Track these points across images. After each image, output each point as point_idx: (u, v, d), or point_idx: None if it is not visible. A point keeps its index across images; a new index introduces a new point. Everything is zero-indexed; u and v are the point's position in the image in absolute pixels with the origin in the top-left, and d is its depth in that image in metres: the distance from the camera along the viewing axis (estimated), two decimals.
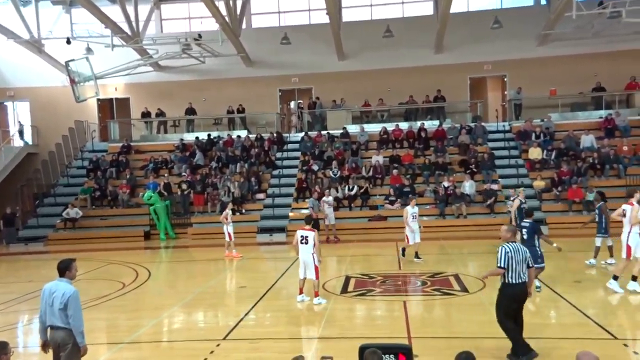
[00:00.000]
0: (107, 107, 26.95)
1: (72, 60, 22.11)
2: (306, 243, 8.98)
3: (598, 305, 8.62)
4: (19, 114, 27.21)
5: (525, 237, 8.85)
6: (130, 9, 23.17)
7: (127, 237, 19.49)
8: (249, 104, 24.75)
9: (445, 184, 19.30)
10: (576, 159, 19.95)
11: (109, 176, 22.65)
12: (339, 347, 6.89)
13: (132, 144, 24.55)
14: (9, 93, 26.52)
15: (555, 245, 9.40)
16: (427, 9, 25.20)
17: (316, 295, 9.08)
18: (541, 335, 6.10)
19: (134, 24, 23.17)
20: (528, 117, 22.41)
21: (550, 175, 19.32)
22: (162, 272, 14.30)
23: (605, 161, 19.50)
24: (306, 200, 19.33)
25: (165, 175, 21.71)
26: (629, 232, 8.99)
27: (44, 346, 5.25)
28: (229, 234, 14.55)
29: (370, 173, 20.68)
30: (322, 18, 22.94)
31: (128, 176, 22.11)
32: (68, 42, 22.55)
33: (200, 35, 22.45)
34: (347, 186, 19.94)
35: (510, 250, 6.02)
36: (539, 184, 18.82)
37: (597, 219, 11.23)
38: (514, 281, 6.01)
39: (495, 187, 19.08)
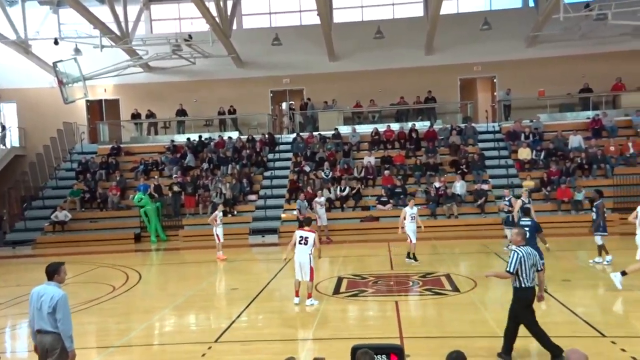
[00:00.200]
0: (96, 109, 26.71)
1: (60, 61, 21.92)
2: (305, 244, 8.95)
3: (587, 304, 8.71)
4: (6, 115, 26.89)
5: (527, 235, 8.87)
6: (119, 10, 23.00)
7: (118, 240, 19.34)
8: (240, 105, 24.68)
9: (437, 184, 19.40)
10: (564, 159, 20.16)
11: (99, 178, 22.46)
12: (332, 348, 6.88)
13: (122, 145, 24.37)
14: None
15: (547, 245, 9.49)
16: (418, 11, 25.33)
17: (309, 296, 9.06)
18: (529, 333, 6.14)
19: (123, 24, 23.01)
20: (517, 117, 22.61)
21: (540, 175, 19.50)
22: (153, 275, 14.19)
23: (592, 161, 19.72)
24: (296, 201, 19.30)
25: (156, 177, 21.56)
26: None
27: (37, 350, 5.18)
28: (217, 235, 14.50)
29: (362, 174, 20.72)
30: (313, 19, 22.96)
31: (118, 178, 21.95)
32: (56, 42, 22.34)
33: (190, 36, 22.35)
34: (339, 187, 19.96)
35: (523, 255, 5.98)
36: (529, 183, 18.98)
37: (594, 217, 11.24)
38: (527, 285, 5.99)
39: (485, 187, 19.23)
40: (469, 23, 23.48)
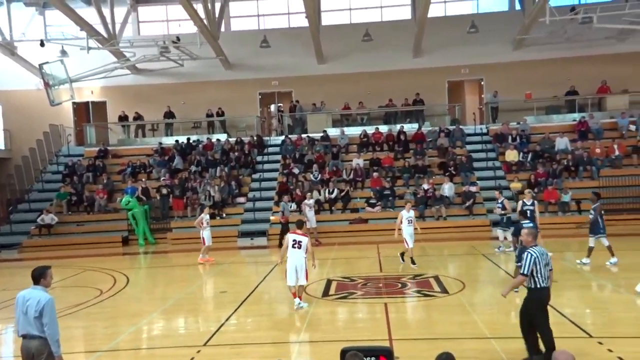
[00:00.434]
0: (83, 111, 26.45)
1: (46, 62, 21.65)
2: (299, 248, 8.89)
3: (574, 304, 8.80)
4: None
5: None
6: (106, 11, 22.83)
7: (105, 243, 19.13)
8: (228, 107, 24.60)
9: (425, 186, 19.50)
10: (551, 161, 20.38)
11: (86, 181, 22.22)
12: (321, 350, 6.88)
13: (109, 148, 24.15)
14: None
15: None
16: (405, 13, 25.49)
17: (298, 297, 9.04)
18: (519, 334, 6.19)
19: (110, 26, 22.83)
20: (504, 120, 22.84)
21: (527, 177, 19.68)
22: (141, 278, 14.07)
23: (579, 163, 19.97)
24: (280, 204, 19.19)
25: (144, 179, 21.41)
26: None
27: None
28: (203, 238, 14.41)
29: (351, 176, 20.76)
30: (302, 21, 23.01)
31: (105, 181, 21.73)
32: (42, 44, 22.08)
33: (178, 38, 22.24)
34: (327, 189, 19.97)
35: (537, 256, 5.93)
36: (516, 185, 19.17)
37: (592, 219, 11.28)
38: (543, 284, 5.94)
39: (473, 189, 19.37)
40: (456, 26, 23.68)
